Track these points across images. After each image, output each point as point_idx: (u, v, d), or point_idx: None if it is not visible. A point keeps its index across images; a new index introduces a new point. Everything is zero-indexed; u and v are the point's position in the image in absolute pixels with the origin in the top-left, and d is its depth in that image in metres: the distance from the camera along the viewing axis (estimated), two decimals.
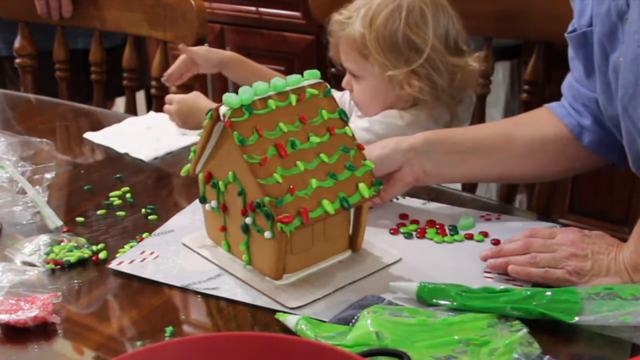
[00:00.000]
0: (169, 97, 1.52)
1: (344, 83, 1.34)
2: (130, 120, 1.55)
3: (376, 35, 1.26)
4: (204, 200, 1.02)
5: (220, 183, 0.97)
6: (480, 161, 1.13)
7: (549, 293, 0.87)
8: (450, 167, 1.12)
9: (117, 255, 1.04)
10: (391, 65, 1.26)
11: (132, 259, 1.03)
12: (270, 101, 0.95)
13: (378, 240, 1.06)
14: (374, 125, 1.28)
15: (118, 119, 1.56)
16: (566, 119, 1.13)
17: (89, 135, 1.46)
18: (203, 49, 1.53)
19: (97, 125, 1.52)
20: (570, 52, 1.13)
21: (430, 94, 1.28)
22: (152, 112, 1.58)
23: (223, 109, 0.93)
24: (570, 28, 1.10)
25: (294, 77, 0.98)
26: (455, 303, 0.89)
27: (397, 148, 1.09)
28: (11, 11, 1.88)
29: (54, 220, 1.13)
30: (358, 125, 1.28)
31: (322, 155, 0.95)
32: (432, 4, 1.27)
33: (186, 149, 1.39)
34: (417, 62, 1.25)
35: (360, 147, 0.99)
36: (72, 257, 1.03)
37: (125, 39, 1.80)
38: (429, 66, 1.26)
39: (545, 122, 1.14)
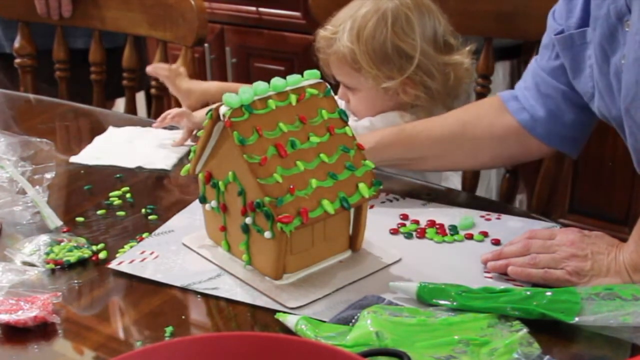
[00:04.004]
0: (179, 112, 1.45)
1: (339, 94, 1.33)
2: (107, 135, 1.46)
3: (365, 48, 1.25)
4: (204, 200, 1.02)
5: (220, 183, 0.97)
6: (428, 163, 1.22)
7: (549, 293, 0.87)
8: (398, 169, 1.22)
9: (117, 255, 1.04)
10: (384, 76, 1.25)
11: (132, 259, 1.03)
12: (270, 101, 0.95)
13: (378, 240, 1.06)
14: (375, 124, 1.28)
15: (118, 119, 1.56)
16: (518, 114, 1.16)
17: (76, 159, 1.36)
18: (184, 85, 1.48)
19: (97, 125, 1.52)
20: (545, 39, 1.15)
21: (426, 99, 1.27)
22: (129, 127, 1.51)
23: (223, 109, 0.93)
24: (558, 29, 1.10)
25: (294, 77, 0.98)
26: (455, 303, 0.89)
27: None
28: (11, 11, 1.88)
29: (54, 220, 1.13)
30: (359, 124, 1.28)
31: (322, 155, 0.95)
32: (416, 8, 1.26)
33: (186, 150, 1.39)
34: (409, 69, 1.25)
35: (360, 147, 0.99)
36: (72, 257, 1.03)
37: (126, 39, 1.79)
38: (422, 72, 1.26)
39: (494, 117, 1.19)
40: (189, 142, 1.41)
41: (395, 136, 1.19)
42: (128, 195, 1.22)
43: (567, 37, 1.08)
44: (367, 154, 1.03)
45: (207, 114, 0.95)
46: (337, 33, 1.28)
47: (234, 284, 0.97)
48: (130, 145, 1.42)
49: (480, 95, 1.54)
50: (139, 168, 1.33)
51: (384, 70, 1.25)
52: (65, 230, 1.12)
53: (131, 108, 1.83)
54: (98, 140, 1.44)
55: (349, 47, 1.26)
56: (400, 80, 1.25)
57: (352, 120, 1.29)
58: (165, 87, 1.65)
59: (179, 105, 1.56)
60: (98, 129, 1.49)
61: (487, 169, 1.28)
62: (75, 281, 1.00)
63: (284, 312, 0.90)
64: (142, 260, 1.03)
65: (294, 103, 0.96)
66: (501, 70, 2.10)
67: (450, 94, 1.31)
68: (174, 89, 1.50)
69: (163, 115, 1.41)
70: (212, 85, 1.52)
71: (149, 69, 1.54)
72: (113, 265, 1.02)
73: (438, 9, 1.29)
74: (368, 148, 1.09)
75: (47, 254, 1.04)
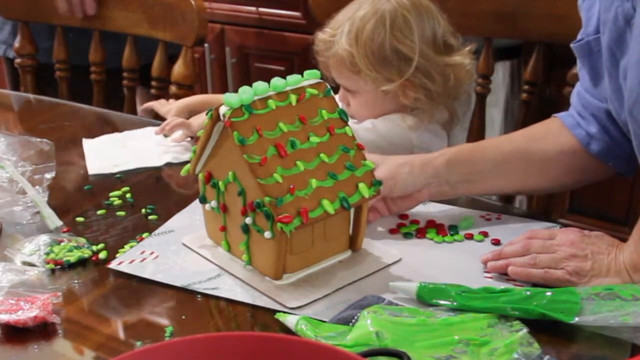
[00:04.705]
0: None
1: (339, 98, 1.32)
2: (95, 147, 1.44)
3: (364, 51, 1.24)
4: (204, 200, 1.02)
5: (220, 183, 0.97)
6: (498, 180, 1.14)
7: (548, 293, 0.87)
8: (468, 187, 1.13)
9: (117, 255, 1.04)
10: (383, 78, 1.24)
11: (132, 259, 1.03)
12: (270, 101, 0.95)
13: (378, 241, 1.06)
14: (377, 125, 1.28)
15: (117, 119, 1.56)
16: (575, 129, 1.13)
17: (95, 171, 1.33)
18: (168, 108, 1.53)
19: (97, 125, 1.51)
20: (578, 62, 1.13)
21: (426, 102, 1.27)
22: (105, 136, 1.50)
23: (223, 109, 0.92)
24: (578, 38, 1.09)
25: (294, 77, 0.98)
26: (455, 303, 0.89)
27: (421, 173, 1.09)
28: (12, 11, 1.88)
29: (54, 220, 1.13)
30: (361, 126, 1.28)
31: (322, 155, 0.95)
32: (414, 9, 1.25)
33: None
34: (408, 71, 1.23)
35: (360, 147, 0.99)
36: (72, 257, 1.03)
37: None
38: (421, 74, 1.24)
39: (556, 134, 1.14)
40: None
41: (460, 153, 1.14)
42: (128, 195, 1.22)
43: (584, 44, 1.07)
44: (437, 172, 1.07)
45: (207, 114, 0.95)
46: (336, 36, 1.27)
47: (234, 284, 0.97)
48: (132, 147, 1.42)
49: (480, 96, 1.54)
50: (169, 164, 1.35)
51: (383, 72, 1.24)
52: (65, 230, 1.12)
53: (131, 108, 1.83)
54: (91, 152, 1.41)
55: (347, 50, 1.25)
56: (400, 82, 1.24)
57: (352, 123, 1.29)
58: (166, 87, 1.67)
59: None
60: (98, 129, 1.49)
61: (559, 187, 1.21)
62: (75, 281, 1.00)
63: (284, 312, 0.90)
64: (142, 260, 1.03)
65: (294, 103, 0.96)
66: (501, 70, 2.10)
67: (451, 96, 1.30)
68: (159, 112, 1.56)
69: (162, 125, 1.43)
70: (189, 99, 1.53)
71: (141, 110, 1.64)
72: (113, 265, 1.02)
73: (438, 9, 1.28)
74: (438, 164, 1.09)
75: (47, 254, 1.04)
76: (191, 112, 1.48)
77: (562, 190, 1.32)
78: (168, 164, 1.35)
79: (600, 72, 1.07)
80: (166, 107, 1.52)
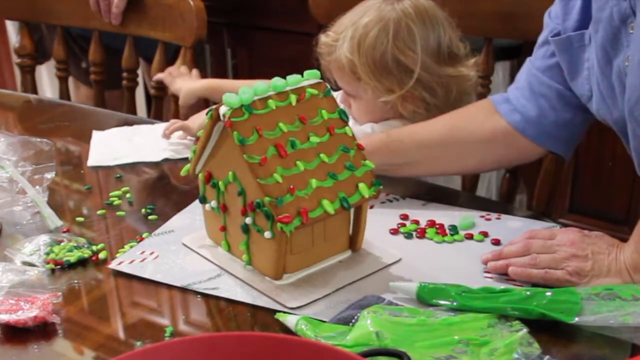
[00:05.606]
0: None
1: (341, 99, 1.32)
2: (102, 138, 1.46)
3: (366, 60, 1.22)
4: (204, 200, 1.02)
5: (220, 183, 0.97)
6: (415, 169, 1.21)
7: (548, 293, 0.88)
8: (388, 172, 1.18)
9: (117, 255, 1.04)
10: (384, 88, 1.23)
11: (132, 259, 1.03)
12: (270, 101, 0.95)
13: (378, 240, 1.06)
14: (376, 130, 1.27)
15: (118, 119, 1.56)
16: (509, 116, 1.15)
17: (93, 162, 1.35)
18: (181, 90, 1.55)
19: (97, 125, 1.52)
20: (541, 38, 1.15)
21: (426, 116, 1.25)
22: (115, 129, 1.52)
23: (223, 109, 0.93)
24: (555, 30, 1.10)
25: (294, 77, 0.98)
26: (455, 303, 0.89)
27: None
28: (12, 11, 1.88)
29: (54, 220, 1.13)
30: (360, 129, 1.28)
31: (322, 155, 0.95)
32: (419, 18, 1.23)
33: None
34: (409, 83, 1.22)
35: (360, 147, 0.99)
36: (72, 257, 1.03)
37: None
38: (422, 87, 1.23)
39: (482, 120, 1.18)
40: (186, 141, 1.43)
41: (382, 142, 1.18)
42: (128, 195, 1.22)
43: (565, 39, 1.07)
44: None
45: (207, 114, 0.95)
46: (338, 41, 1.26)
47: (234, 284, 0.97)
48: (136, 142, 1.43)
49: (480, 96, 1.54)
50: (166, 160, 1.36)
51: (384, 82, 1.23)
52: (65, 230, 1.12)
53: (131, 108, 1.83)
54: (97, 144, 1.43)
55: (348, 57, 1.23)
56: (399, 94, 1.23)
57: (353, 124, 1.28)
58: (166, 87, 1.67)
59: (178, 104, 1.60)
60: (98, 129, 1.49)
61: (473, 173, 1.28)
62: (75, 281, 1.00)
63: (284, 312, 0.90)
64: (142, 260, 1.03)
65: (294, 103, 0.96)
66: (501, 70, 2.11)
67: (453, 108, 1.28)
68: (168, 86, 1.61)
69: (163, 130, 1.43)
70: (197, 84, 1.55)
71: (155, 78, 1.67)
72: (113, 265, 1.02)
73: (445, 16, 1.26)
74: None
75: (47, 254, 1.04)
76: (199, 98, 1.52)
77: (490, 171, 1.39)
78: (166, 160, 1.36)
79: (578, 68, 1.08)
80: (176, 84, 1.55)
